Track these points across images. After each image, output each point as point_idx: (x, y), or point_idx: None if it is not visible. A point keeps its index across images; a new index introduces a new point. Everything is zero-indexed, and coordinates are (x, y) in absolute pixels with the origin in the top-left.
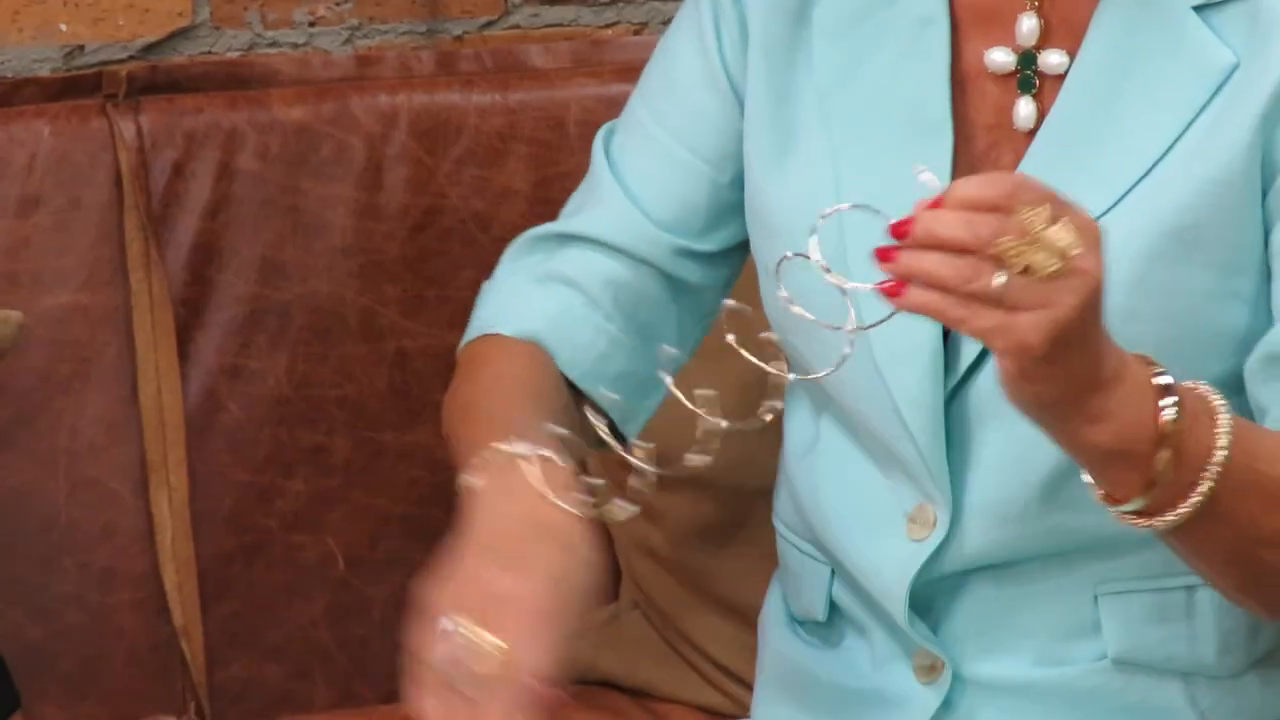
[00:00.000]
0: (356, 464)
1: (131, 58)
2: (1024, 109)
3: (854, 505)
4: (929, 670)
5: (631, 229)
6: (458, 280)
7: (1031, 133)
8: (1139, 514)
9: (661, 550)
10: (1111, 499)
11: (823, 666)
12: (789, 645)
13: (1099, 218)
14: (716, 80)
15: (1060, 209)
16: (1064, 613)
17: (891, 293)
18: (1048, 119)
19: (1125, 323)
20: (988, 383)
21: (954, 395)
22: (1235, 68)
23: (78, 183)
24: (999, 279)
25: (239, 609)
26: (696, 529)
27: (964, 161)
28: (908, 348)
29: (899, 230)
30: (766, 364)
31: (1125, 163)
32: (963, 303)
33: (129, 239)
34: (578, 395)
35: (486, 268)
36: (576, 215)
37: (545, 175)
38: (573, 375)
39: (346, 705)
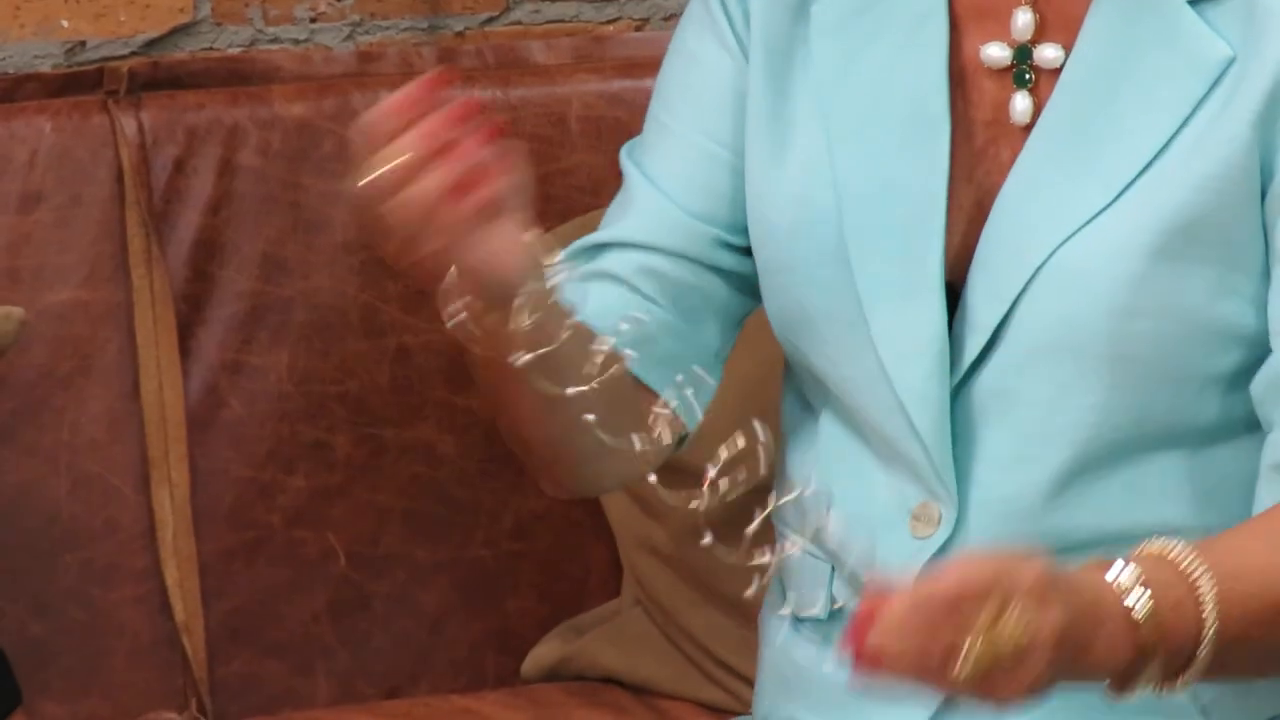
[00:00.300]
0: (358, 460)
1: (133, 54)
2: (1020, 104)
3: (855, 502)
4: None
5: (667, 225)
6: None
7: (1028, 128)
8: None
9: (663, 547)
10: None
11: (823, 664)
12: (790, 642)
13: (1098, 214)
14: (738, 65)
15: (1001, 595)
16: None
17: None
18: (1044, 114)
19: (1125, 320)
20: (992, 379)
21: (958, 391)
22: (1231, 61)
23: (79, 179)
24: (961, 670)
25: (240, 605)
26: (698, 525)
27: (961, 157)
28: (913, 345)
29: (863, 621)
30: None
31: (1123, 158)
32: (941, 683)
33: (130, 235)
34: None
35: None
36: (611, 225)
37: (547, 171)
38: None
39: (348, 701)
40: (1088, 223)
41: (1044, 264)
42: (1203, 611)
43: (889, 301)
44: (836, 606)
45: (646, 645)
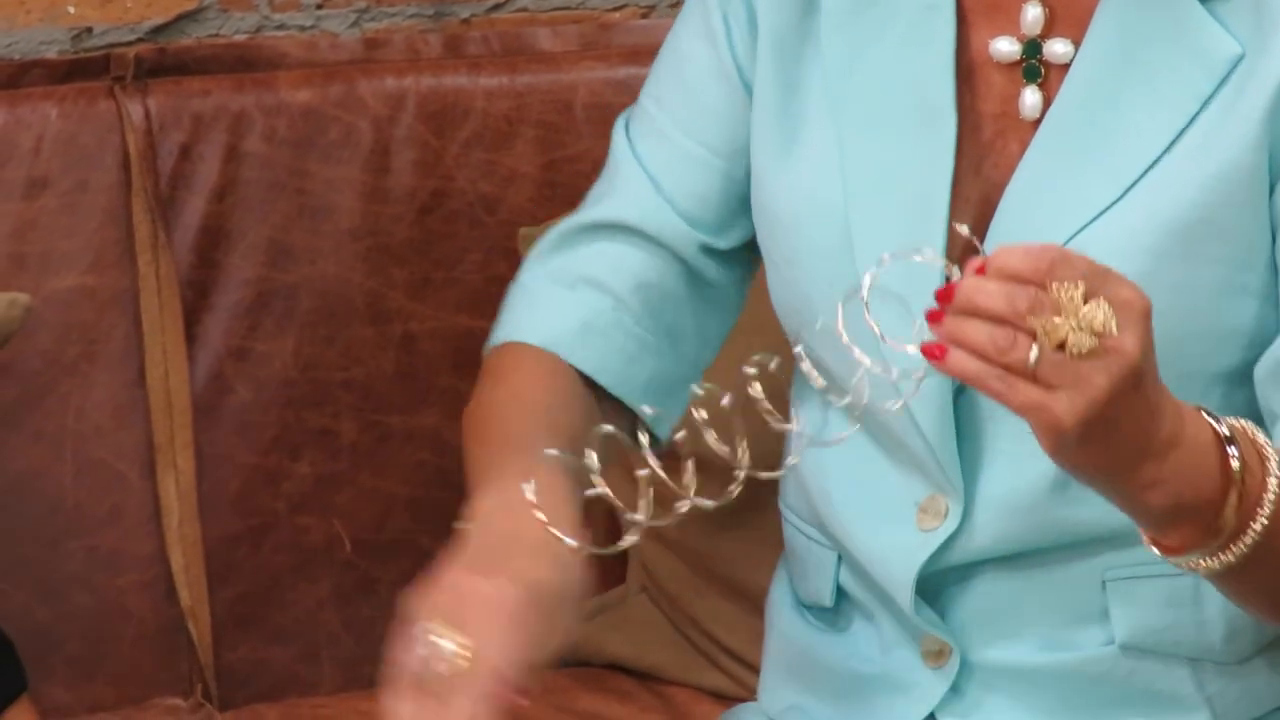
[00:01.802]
0: (363, 446)
1: (139, 40)
2: (1029, 98)
3: (862, 494)
4: (937, 655)
5: (658, 216)
6: (465, 263)
7: (1037, 123)
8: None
9: (669, 534)
10: (1168, 549)
11: (830, 651)
12: (796, 630)
13: (1105, 210)
14: (727, 74)
15: (1099, 285)
16: (1072, 600)
17: (933, 355)
18: (1052, 109)
19: None
20: None
21: (964, 391)
22: (1240, 58)
23: (85, 165)
24: (1034, 354)
25: (246, 591)
26: (703, 512)
27: (969, 151)
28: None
29: (944, 295)
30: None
31: (1131, 154)
32: (1000, 375)
33: (136, 221)
34: (608, 401)
35: (494, 250)
36: (601, 203)
37: (553, 158)
38: (603, 381)
39: (353, 687)
40: (1095, 218)
41: None
42: (1269, 479)
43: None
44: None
45: (652, 631)
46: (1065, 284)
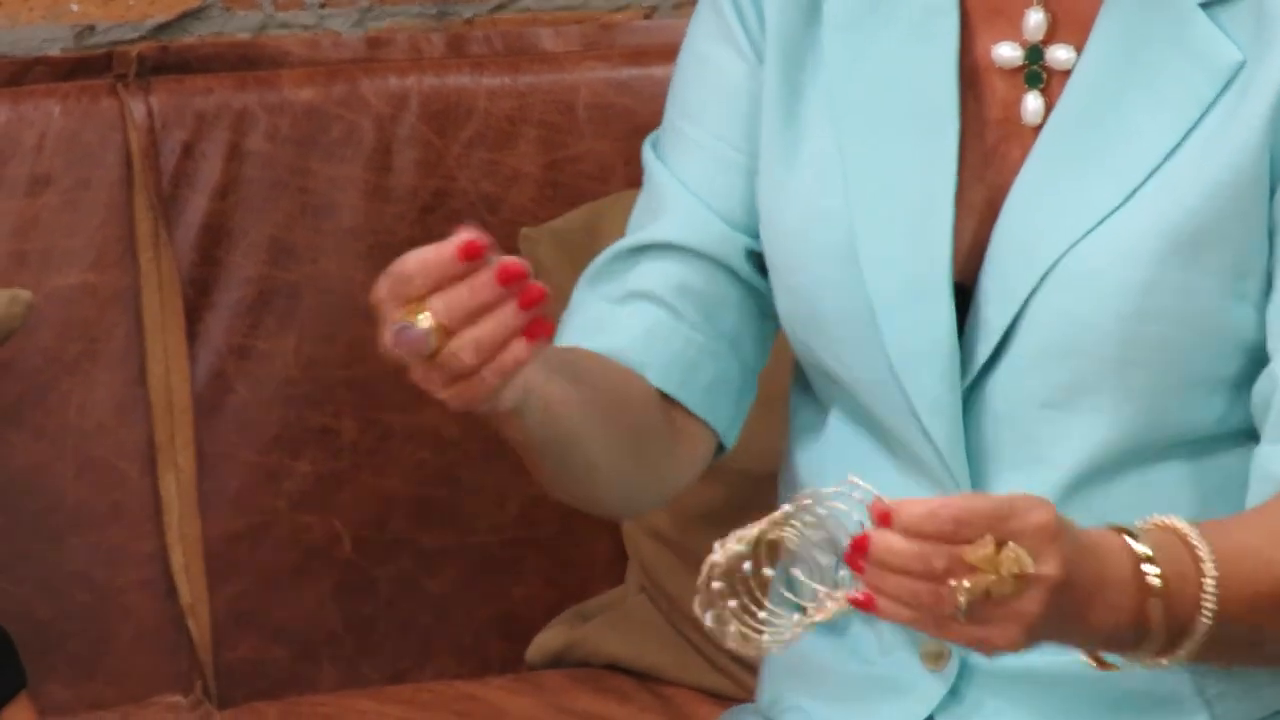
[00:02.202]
0: (364, 445)
1: (142, 38)
2: (1031, 104)
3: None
4: (936, 658)
5: (703, 229)
6: None
7: (1039, 128)
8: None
9: (668, 534)
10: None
11: (830, 652)
12: None
13: (1108, 216)
14: (751, 67)
15: (1005, 530)
16: None
17: (862, 605)
18: (1054, 114)
19: (1134, 323)
20: (1004, 381)
21: (970, 393)
22: (1242, 65)
23: (87, 162)
24: (962, 607)
25: (246, 589)
26: (703, 512)
27: (971, 156)
28: (923, 347)
29: (859, 546)
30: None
31: (1133, 160)
32: (934, 621)
33: (138, 219)
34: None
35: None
36: (644, 228)
37: (555, 158)
38: (667, 389)
39: (352, 686)
40: (1098, 224)
41: (1054, 265)
42: (1204, 588)
43: (899, 303)
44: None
45: (651, 632)
46: (975, 545)
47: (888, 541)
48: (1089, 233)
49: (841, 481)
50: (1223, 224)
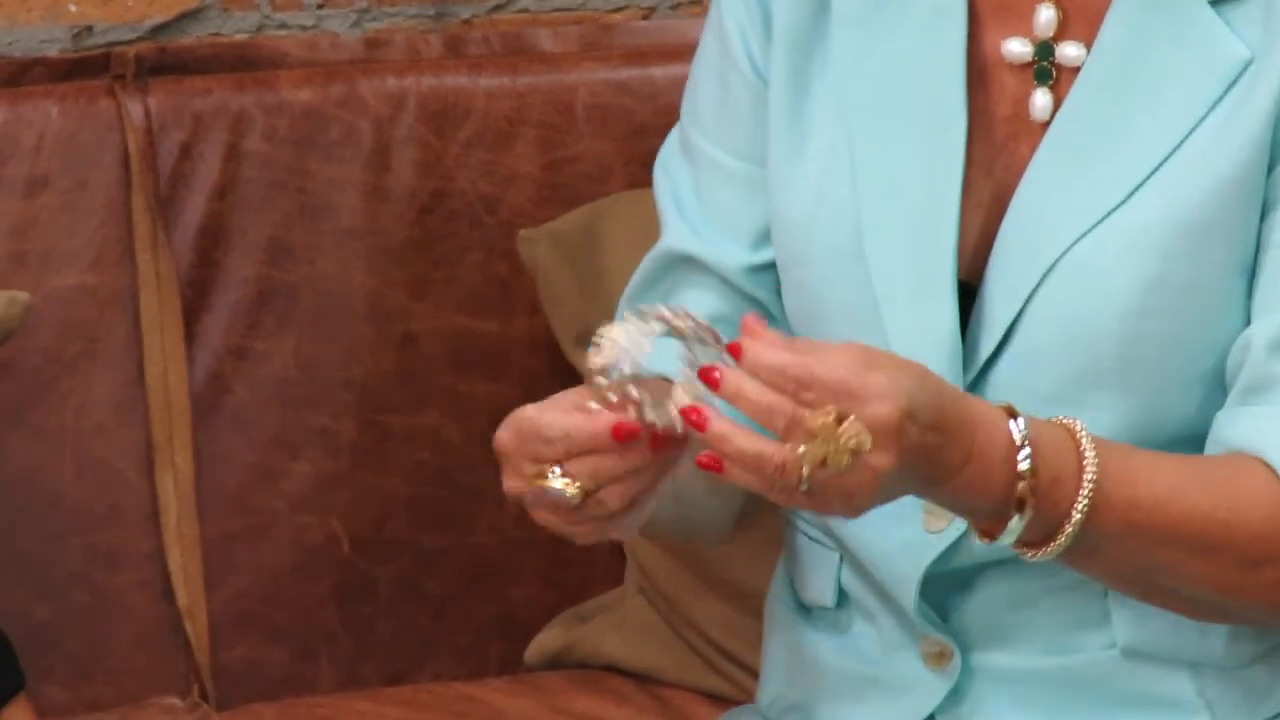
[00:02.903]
0: (363, 446)
1: (140, 39)
2: (1040, 100)
3: None
4: (938, 658)
5: (702, 245)
6: (465, 263)
7: (1047, 125)
8: (1020, 546)
9: None
10: (985, 534)
11: (830, 652)
12: (796, 630)
13: (1112, 212)
14: (747, 80)
15: (851, 405)
16: (1075, 605)
17: (710, 466)
18: (1062, 111)
19: (1137, 320)
20: (1007, 375)
21: (973, 387)
22: (1249, 63)
23: (85, 163)
24: (803, 485)
25: (244, 590)
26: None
27: (979, 152)
28: (926, 342)
29: (706, 376)
30: None
31: (1140, 157)
32: (778, 489)
33: (136, 220)
34: None
35: (493, 250)
36: (660, 242)
37: (553, 159)
38: None
39: (351, 687)
40: (1102, 221)
41: (1058, 261)
42: (1081, 487)
43: (903, 298)
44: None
45: (649, 633)
46: (817, 412)
47: (739, 381)
48: (1093, 229)
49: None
50: (1226, 220)
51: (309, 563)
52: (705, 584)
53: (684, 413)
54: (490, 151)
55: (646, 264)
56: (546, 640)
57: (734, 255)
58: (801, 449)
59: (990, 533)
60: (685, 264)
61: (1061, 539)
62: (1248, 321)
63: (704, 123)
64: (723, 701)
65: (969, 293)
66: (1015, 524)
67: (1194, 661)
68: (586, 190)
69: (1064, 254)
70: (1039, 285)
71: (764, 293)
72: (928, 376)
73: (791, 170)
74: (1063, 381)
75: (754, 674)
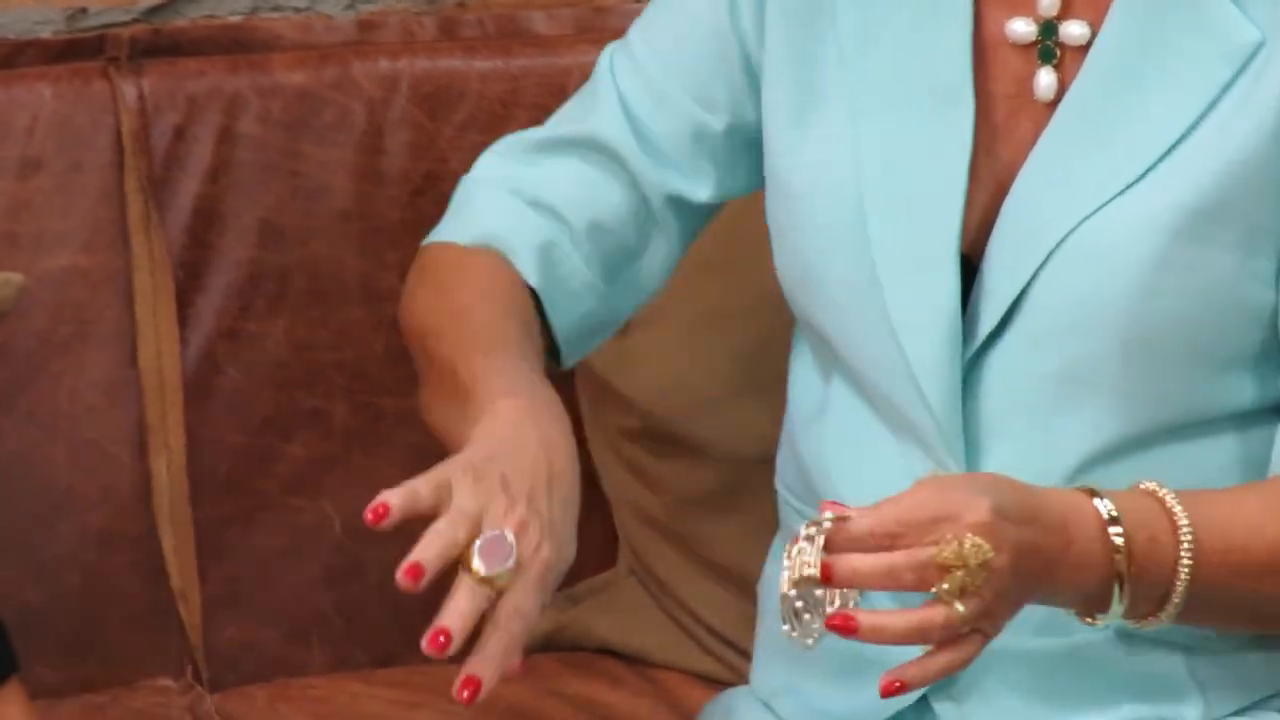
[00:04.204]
0: (355, 428)
1: (134, 21)
2: (1044, 79)
3: (864, 470)
4: None
5: (630, 147)
6: None
7: (1051, 104)
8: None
9: (659, 517)
10: (1091, 616)
11: (823, 634)
12: None
13: (1119, 194)
14: (721, 33)
15: (949, 526)
16: None
17: (843, 629)
18: (1069, 91)
19: (1146, 299)
20: (1008, 354)
21: (973, 364)
22: (1260, 45)
23: (79, 145)
24: (965, 629)
25: (236, 572)
26: (694, 496)
27: (982, 131)
28: (925, 315)
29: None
30: None
31: (1148, 139)
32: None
33: (129, 202)
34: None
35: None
36: (577, 122)
37: None
38: (546, 305)
39: (343, 669)
40: (1108, 202)
41: (1063, 241)
42: (1181, 549)
43: (904, 271)
44: None
45: (641, 616)
46: (942, 545)
47: (853, 566)
48: (1099, 210)
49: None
50: (1235, 202)
51: (301, 545)
52: (698, 566)
53: (832, 627)
54: (484, 134)
55: (544, 137)
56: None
57: (661, 174)
58: (944, 585)
59: (1095, 613)
60: (599, 152)
61: (1175, 598)
62: (1256, 302)
63: (660, 48)
64: (715, 683)
65: (972, 270)
66: (1115, 601)
67: (1187, 644)
68: None
69: (1070, 234)
70: (1043, 264)
71: (670, 220)
72: (1000, 478)
73: (792, 140)
74: (1065, 360)
75: (746, 656)
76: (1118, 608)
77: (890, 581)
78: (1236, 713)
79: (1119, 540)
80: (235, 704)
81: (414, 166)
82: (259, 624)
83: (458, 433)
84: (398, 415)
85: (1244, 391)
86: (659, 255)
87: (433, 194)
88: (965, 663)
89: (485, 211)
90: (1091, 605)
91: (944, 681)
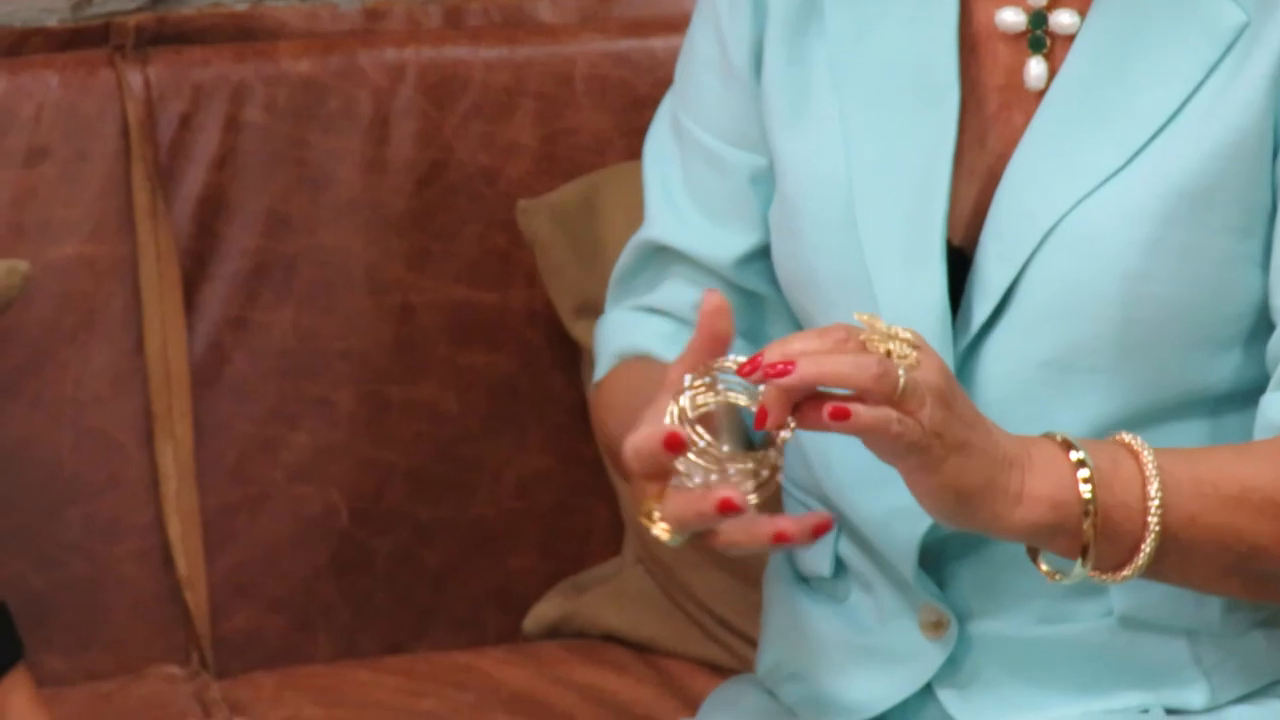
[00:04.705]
0: (361, 417)
1: (140, 9)
2: (1035, 69)
3: (865, 461)
4: (935, 626)
5: (687, 241)
6: (464, 234)
7: (1042, 94)
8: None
9: None
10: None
11: (828, 622)
12: (794, 601)
13: (1110, 178)
14: (731, 66)
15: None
16: None
17: (840, 414)
18: (1058, 79)
19: (1136, 284)
20: (1002, 343)
21: (969, 354)
22: (1245, 26)
23: (85, 134)
24: (901, 378)
25: (243, 560)
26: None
27: (973, 123)
28: (915, 310)
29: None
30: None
31: (1136, 123)
32: (895, 418)
33: (136, 190)
34: None
35: (492, 222)
36: (644, 228)
37: (552, 130)
38: None
39: (349, 657)
40: (1099, 186)
41: (1055, 227)
42: (1146, 474)
43: (893, 267)
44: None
45: (647, 603)
46: (861, 332)
47: (816, 358)
48: (1090, 195)
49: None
50: (1226, 184)
51: (308, 533)
52: (703, 554)
53: (768, 373)
54: (489, 123)
55: (631, 252)
56: (544, 610)
57: (724, 245)
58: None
59: (1063, 553)
60: (667, 255)
61: (1149, 535)
62: (1248, 284)
63: (695, 108)
64: (721, 671)
65: (966, 262)
66: (1085, 523)
67: (1191, 629)
68: (585, 162)
69: (1061, 220)
70: (1036, 251)
71: (755, 281)
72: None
73: (786, 142)
74: (1060, 346)
75: (752, 643)
76: (1088, 529)
77: (847, 365)
78: (1242, 698)
79: (1078, 456)
80: (242, 691)
81: (420, 155)
82: (266, 612)
83: None
84: (403, 404)
85: (1237, 371)
86: (772, 312)
87: (439, 183)
88: (896, 432)
89: (613, 336)
90: (1058, 537)
91: (947, 670)
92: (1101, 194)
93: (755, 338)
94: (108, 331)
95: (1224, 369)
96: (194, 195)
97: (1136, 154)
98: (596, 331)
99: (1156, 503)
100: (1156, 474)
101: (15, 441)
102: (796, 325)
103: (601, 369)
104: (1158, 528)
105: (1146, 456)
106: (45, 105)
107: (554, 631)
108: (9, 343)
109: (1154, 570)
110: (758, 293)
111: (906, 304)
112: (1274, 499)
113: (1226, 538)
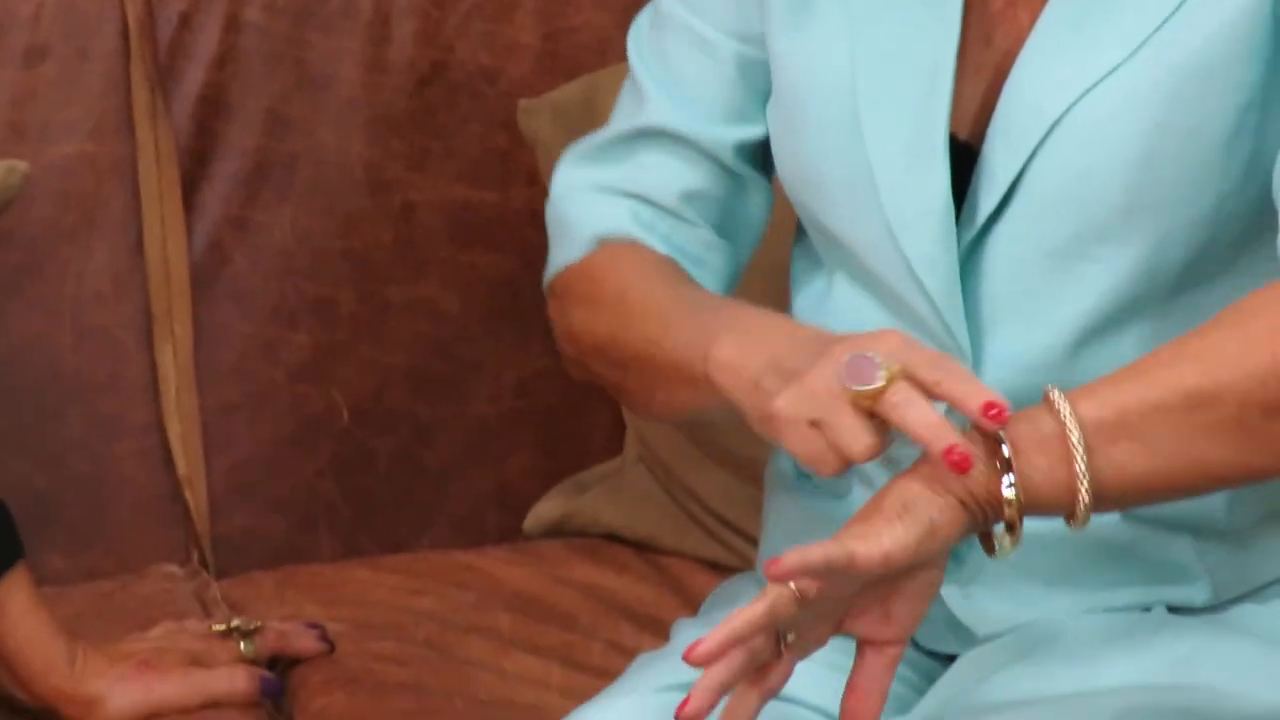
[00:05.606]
0: (362, 317)
1: None
2: None
3: None
4: None
5: (689, 119)
6: (464, 134)
7: None
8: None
9: None
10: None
11: (829, 519)
12: (795, 498)
13: (1116, 68)
14: None
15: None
16: None
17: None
18: None
19: (1143, 168)
20: (1008, 234)
21: (975, 247)
22: None
23: (84, 33)
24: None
25: (243, 460)
26: None
27: (977, 21)
28: (919, 207)
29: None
30: None
31: (1141, 13)
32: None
33: (135, 90)
34: None
35: (493, 122)
36: (631, 116)
37: (553, 29)
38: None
39: (349, 557)
40: (1106, 76)
41: (1062, 117)
42: (1055, 400)
43: (897, 165)
44: None
45: (648, 502)
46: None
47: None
48: (1096, 84)
49: None
50: (1229, 61)
51: (308, 433)
52: (705, 452)
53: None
54: (490, 22)
55: (616, 134)
56: (545, 509)
57: (718, 132)
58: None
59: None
60: (662, 138)
61: (1077, 459)
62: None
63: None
64: (721, 569)
65: (972, 158)
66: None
67: (1195, 527)
68: (586, 61)
69: (1068, 110)
70: (1042, 141)
71: (748, 168)
72: None
73: (789, 39)
74: (1066, 235)
75: (753, 542)
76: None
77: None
78: (1244, 596)
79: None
80: (242, 590)
81: (420, 55)
82: (266, 511)
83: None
84: (404, 304)
85: (1246, 248)
86: (754, 198)
87: (439, 82)
88: None
89: (584, 217)
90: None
91: (949, 567)
92: (1105, 85)
93: (732, 214)
94: (107, 231)
95: (1229, 245)
96: (194, 94)
97: (1141, 45)
98: (556, 208)
99: (1070, 418)
100: (1062, 395)
101: (15, 340)
102: (770, 200)
103: (575, 251)
104: (1085, 487)
105: (1054, 393)
106: (44, 4)
107: (554, 531)
108: (8, 243)
109: (1110, 504)
110: (744, 176)
111: (909, 203)
112: (1200, 401)
113: (1162, 428)
